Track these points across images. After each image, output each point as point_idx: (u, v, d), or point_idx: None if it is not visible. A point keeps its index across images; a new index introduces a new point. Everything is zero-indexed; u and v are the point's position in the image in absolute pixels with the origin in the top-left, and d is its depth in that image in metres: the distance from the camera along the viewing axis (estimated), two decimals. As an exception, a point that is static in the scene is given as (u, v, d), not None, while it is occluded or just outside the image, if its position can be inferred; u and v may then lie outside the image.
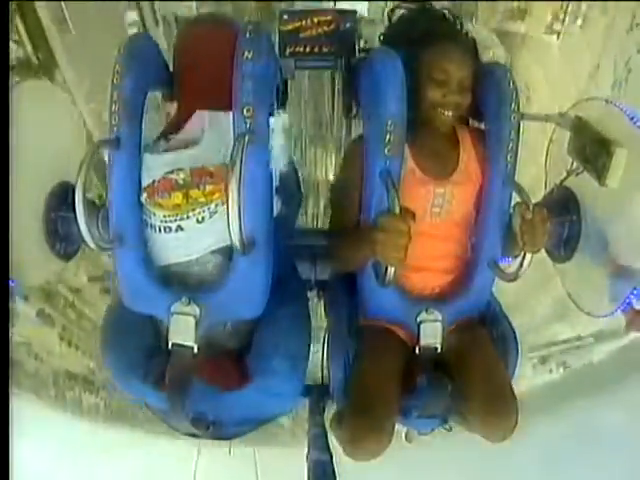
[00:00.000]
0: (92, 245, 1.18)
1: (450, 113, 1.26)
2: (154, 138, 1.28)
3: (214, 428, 1.30)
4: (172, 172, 1.17)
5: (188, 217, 1.17)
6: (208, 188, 1.16)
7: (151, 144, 1.24)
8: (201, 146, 1.20)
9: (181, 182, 1.16)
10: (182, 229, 1.18)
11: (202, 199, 1.16)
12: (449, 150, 1.33)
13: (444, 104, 1.25)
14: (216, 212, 1.17)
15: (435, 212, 1.30)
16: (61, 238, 1.36)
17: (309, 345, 1.33)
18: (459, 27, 1.33)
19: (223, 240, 1.18)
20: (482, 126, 1.35)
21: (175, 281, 1.22)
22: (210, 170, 1.17)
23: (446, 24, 1.31)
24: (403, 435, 1.59)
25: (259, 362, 1.24)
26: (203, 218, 1.18)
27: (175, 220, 1.18)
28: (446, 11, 1.33)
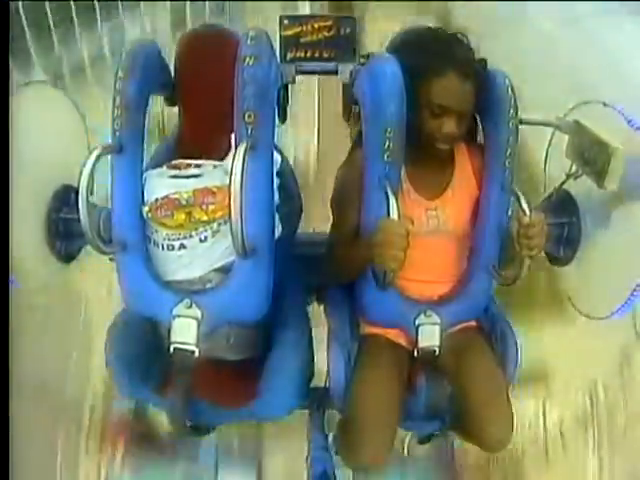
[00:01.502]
0: (93, 247, 1.19)
1: (446, 143, 1.24)
2: (159, 150, 1.30)
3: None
4: (175, 192, 1.19)
5: (191, 236, 1.20)
6: (211, 208, 1.18)
7: (155, 163, 1.25)
8: (204, 177, 1.22)
9: (184, 202, 1.18)
10: (185, 247, 1.20)
11: (205, 218, 1.18)
12: (443, 167, 1.32)
13: (441, 137, 1.22)
14: (218, 231, 1.19)
15: (432, 229, 1.30)
16: (62, 239, 1.37)
17: (312, 355, 1.35)
18: (469, 52, 1.23)
19: (225, 258, 1.20)
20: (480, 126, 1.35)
21: (177, 288, 1.23)
22: (213, 190, 1.19)
23: (453, 50, 1.21)
24: (405, 446, 1.59)
25: (264, 382, 1.25)
26: (206, 237, 1.19)
27: (178, 239, 1.20)
28: (459, 34, 1.25)
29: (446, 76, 1.18)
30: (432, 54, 1.20)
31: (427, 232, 1.30)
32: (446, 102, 1.19)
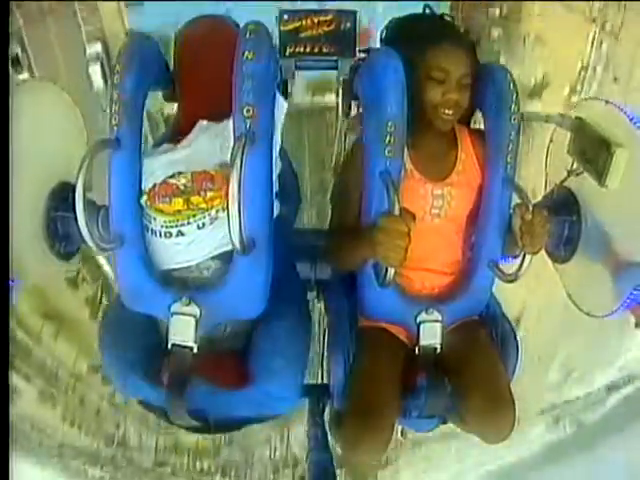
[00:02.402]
0: (91, 245, 1.18)
1: (450, 112, 1.25)
2: (155, 141, 1.29)
3: (215, 425, 1.31)
4: (173, 176, 1.18)
5: (189, 223, 1.18)
6: (209, 195, 1.17)
7: (151, 148, 1.24)
8: (194, 146, 1.20)
9: (182, 188, 1.17)
10: (183, 234, 1.19)
11: (203, 205, 1.17)
12: (447, 151, 1.33)
13: (444, 103, 1.24)
14: (217, 218, 1.18)
15: (434, 213, 1.31)
16: (61, 238, 1.37)
17: (309, 346, 1.34)
18: (457, 28, 1.32)
19: (223, 246, 1.19)
20: (483, 126, 1.35)
21: (175, 282, 1.22)
22: (211, 174, 1.17)
23: (443, 24, 1.31)
24: (399, 432, 1.60)
25: (260, 363, 1.25)
26: (204, 224, 1.18)
27: (176, 226, 1.18)
28: (445, 15, 1.33)
29: (440, 43, 1.23)
30: (425, 28, 1.27)
31: (430, 215, 1.30)
32: (444, 64, 1.22)
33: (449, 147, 1.33)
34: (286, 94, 1.51)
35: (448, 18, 1.33)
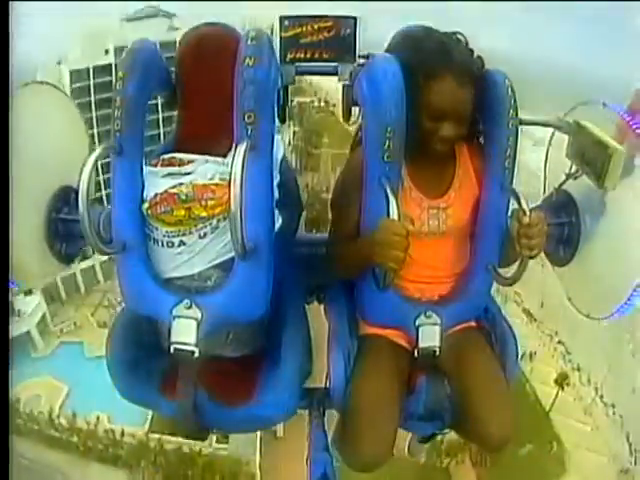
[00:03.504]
0: (94, 247, 1.19)
1: (444, 145, 1.25)
2: (158, 151, 1.30)
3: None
4: (174, 187, 1.19)
5: (190, 232, 1.19)
6: (210, 203, 1.17)
7: (154, 159, 1.25)
8: (200, 172, 1.22)
9: (183, 197, 1.18)
10: (185, 244, 1.20)
11: (204, 214, 1.18)
12: (445, 167, 1.33)
13: (439, 139, 1.24)
14: (217, 227, 1.19)
15: (432, 228, 1.31)
16: (62, 240, 1.37)
17: (310, 352, 1.35)
18: (466, 54, 1.25)
19: (224, 254, 1.20)
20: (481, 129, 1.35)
21: (177, 287, 1.23)
22: (212, 187, 1.18)
23: (450, 52, 1.22)
24: (406, 449, 1.59)
25: (264, 382, 1.26)
26: (205, 233, 1.19)
27: (178, 235, 1.20)
28: (457, 34, 1.26)
29: (444, 81, 1.20)
30: (430, 58, 1.21)
31: (428, 231, 1.30)
32: (444, 106, 1.21)
33: (447, 164, 1.34)
34: (286, 99, 1.52)
35: (459, 37, 1.26)
